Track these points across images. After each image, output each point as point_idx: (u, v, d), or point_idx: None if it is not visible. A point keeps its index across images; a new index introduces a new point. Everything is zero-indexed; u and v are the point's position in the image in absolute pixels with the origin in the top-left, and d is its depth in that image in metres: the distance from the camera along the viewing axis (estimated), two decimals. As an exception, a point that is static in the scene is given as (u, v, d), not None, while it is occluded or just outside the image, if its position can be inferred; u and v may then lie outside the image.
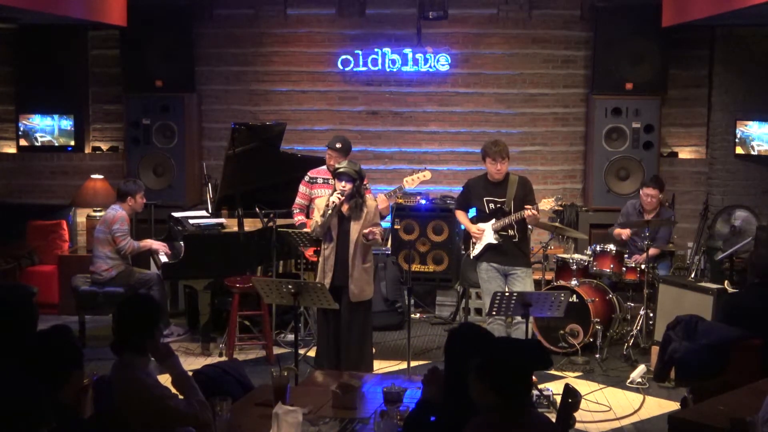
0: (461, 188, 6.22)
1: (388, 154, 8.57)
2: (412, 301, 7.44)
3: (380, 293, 7.19)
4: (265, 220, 6.63)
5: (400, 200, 6.57)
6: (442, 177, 8.33)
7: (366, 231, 5.38)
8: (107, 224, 6.59)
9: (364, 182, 6.22)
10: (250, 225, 6.87)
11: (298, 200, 6.27)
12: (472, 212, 6.21)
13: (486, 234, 5.92)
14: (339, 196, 5.38)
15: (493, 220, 5.90)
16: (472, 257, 6.08)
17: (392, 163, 8.57)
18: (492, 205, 5.92)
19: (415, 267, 7.72)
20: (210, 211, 7.22)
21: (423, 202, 7.70)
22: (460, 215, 6.18)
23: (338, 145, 6.10)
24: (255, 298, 6.61)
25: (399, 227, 7.78)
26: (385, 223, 7.34)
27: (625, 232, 6.88)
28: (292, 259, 7.38)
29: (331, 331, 5.52)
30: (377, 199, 6.11)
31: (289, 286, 4.89)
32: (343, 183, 5.39)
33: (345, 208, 5.46)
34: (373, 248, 5.65)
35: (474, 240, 6.00)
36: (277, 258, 6.66)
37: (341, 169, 5.40)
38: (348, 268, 5.45)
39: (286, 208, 6.89)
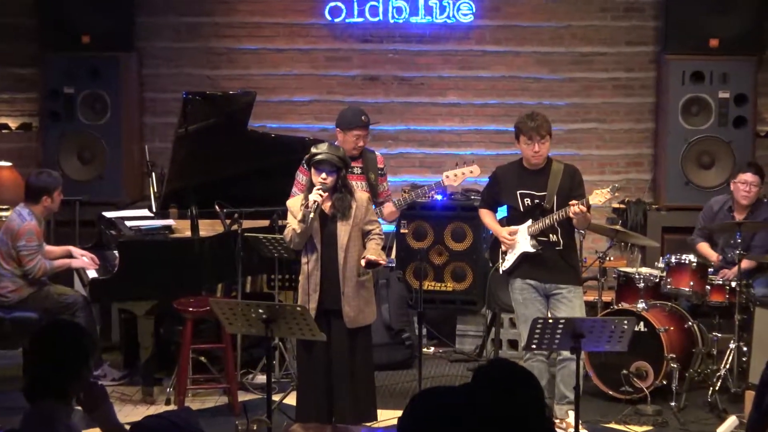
0: (488, 179, 6.21)
1: (392, 133, 8.56)
2: (425, 331, 7.44)
3: (382, 320, 7.17)
4: (228, 221, 6.61)
5: (405, 194, 6.57)
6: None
7: (364, 259, 5.39)
8: (12, 236, 6.58)
9: (381, 166, 6.24)
10: (208, 228, 6.85)
11: (296, 191, 6.22)
12: (503, 212, 6.20)
13: (520, 240, 5.91)
14: (320, 192, 5.38)
15: (530, 222, 5.90)
16: (502, 271, 6.07)
17: (397, 145, 8.56)
18: (528, 201, 5.92)
19: (428, 285, 7.70)
20: (154, 209, 7.21)
21: (439, 197, 7.67)
22: (485, 215, 6.17)
23: (364, 119, 6.16)
24: (214, 327, 6.58)
25: (407, 231, 7.77)
26: (388, 227, 7.33)
27: (714, 257, 6.82)
28: (263, 274, 7.37)
29: (316, 370, 5.51)
30: (383, 210, 6.15)
31: (260, 311, 4.88)
32: (324, 174, 5.38)
33: (327, 206, 5.45)
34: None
35: (504, 248, 5.99)
36: (243, 273, 6.64)
37: (321, 156, 5.40)
38: (339, 284, 5.45)
39: (255, 205, 6.89)
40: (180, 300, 6.39)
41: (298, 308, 4.95)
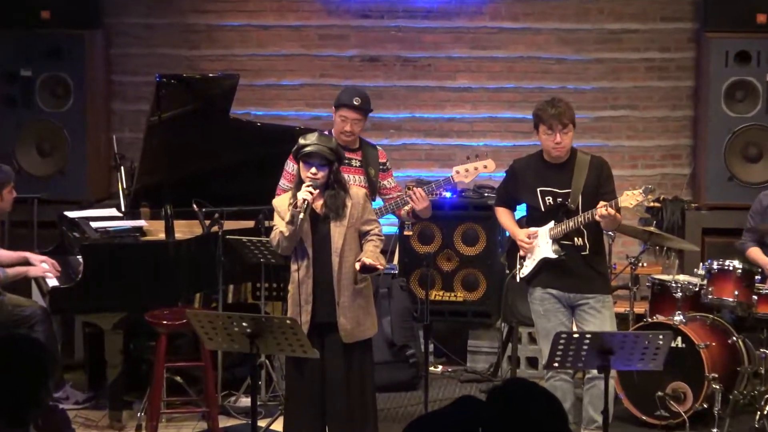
0: (504, 174, 6.21)
1: (394, 122, 8.57)
2: (432, 347, 7.38)
3: (383, 335, 7.16)
4: (208, 222, 6.61)
5: (409, 190, 6.54)
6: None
7: (359, 262, 5.41)
8: (-41, 241, 6.60)
9: (384, 161, 6.26)
10: (185, 230, 6.85)
11: (284, 185, 6.22)
12: (523, 210, 6.21)
13: (541, 244, 5.90)
14: (309, 189, 5.37)
15: (552, 223, 5.89)
16: (519, 279, 6.07)
17: (400, 135, 8.57)
18: (550, 200, 5.90)
19: (436, 294, 7.70)
20: (123, 209, 7.22)
21: (448, 195, 7.58)
22: (502, 215, 6.16)
23: (356, 101, 6.10)
24: (192, 342, 6.61)
25: (411, 234, 7.76)
26: (389, 228, 7.31)
27: None
28: (247, 282, 7.37)
29: (308, 392, 5.51)
30: (414, 196, 6.14)
31: (244, 324, 4.88)
32: (314, 169, 5.38)
33: (318, 205, 5.45)
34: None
35: (523, 253, 6.00)
36: (225, 280, 6.64)
37: (310, 148, 5.38)
38: (334, 293, 5.45)
39: (239, 204, 6.89)
40: (153, 312, 6.36)
41: (288, 321, 4.94)
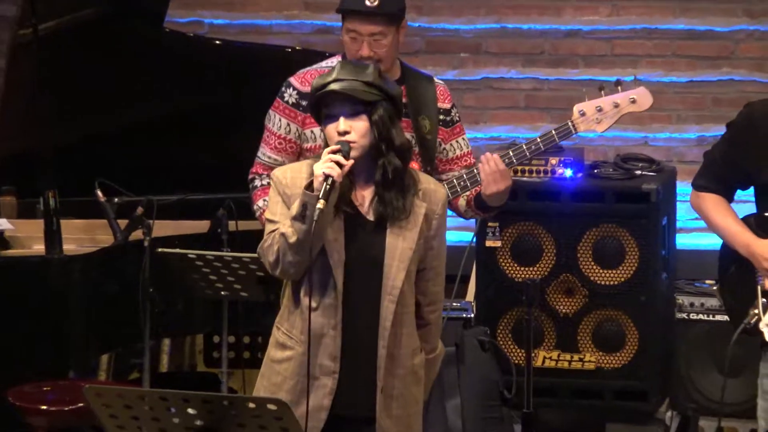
0: (724, 129, 6.13)
1: (469, 39, 8.69)
2: (539, 454, 7.38)
3: (448, 430, 7.24)
4: (123, 224, 6.67)
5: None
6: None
7: None
8: None
9: (447, 106, 6.32)
10: (82, 237, 7.01)
11: (265, 156, 6.26)
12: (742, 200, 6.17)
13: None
14: (337, 159, 5.21)
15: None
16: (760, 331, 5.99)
17: (478, 64, 8.66)
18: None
19: (546, 357, 7.76)
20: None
21: (567, 173, 7.66)
22: (714, 208, 6.12)
23: (370, 1, 6.09)
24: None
25: (498, 244, 7.78)
26: (458, 233, 7.47)
27: None
28: (197, 333, 7.56)
29: None
30: (484, 165, 6.05)
31: (190, 411, 4.75)
32: (342, 123, 5.29)
33: (365, 197, 5.35)
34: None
35: (765, 284, 5.94)
36: (155, 331, 6.71)
37: (334, 85, 5.29)
38: (374, 366, 5.37)
39: (180, 190, 7.13)
40: (22, 388, 6.49)
41: (272, 406, 4.79)
